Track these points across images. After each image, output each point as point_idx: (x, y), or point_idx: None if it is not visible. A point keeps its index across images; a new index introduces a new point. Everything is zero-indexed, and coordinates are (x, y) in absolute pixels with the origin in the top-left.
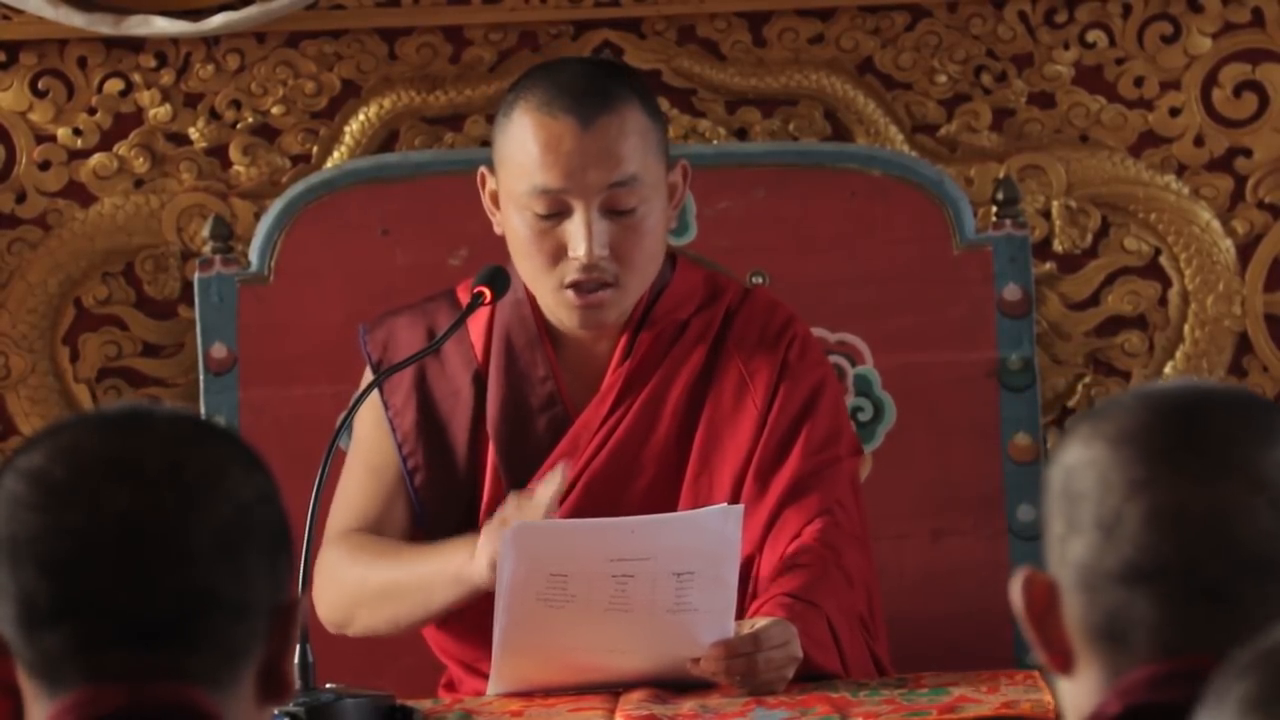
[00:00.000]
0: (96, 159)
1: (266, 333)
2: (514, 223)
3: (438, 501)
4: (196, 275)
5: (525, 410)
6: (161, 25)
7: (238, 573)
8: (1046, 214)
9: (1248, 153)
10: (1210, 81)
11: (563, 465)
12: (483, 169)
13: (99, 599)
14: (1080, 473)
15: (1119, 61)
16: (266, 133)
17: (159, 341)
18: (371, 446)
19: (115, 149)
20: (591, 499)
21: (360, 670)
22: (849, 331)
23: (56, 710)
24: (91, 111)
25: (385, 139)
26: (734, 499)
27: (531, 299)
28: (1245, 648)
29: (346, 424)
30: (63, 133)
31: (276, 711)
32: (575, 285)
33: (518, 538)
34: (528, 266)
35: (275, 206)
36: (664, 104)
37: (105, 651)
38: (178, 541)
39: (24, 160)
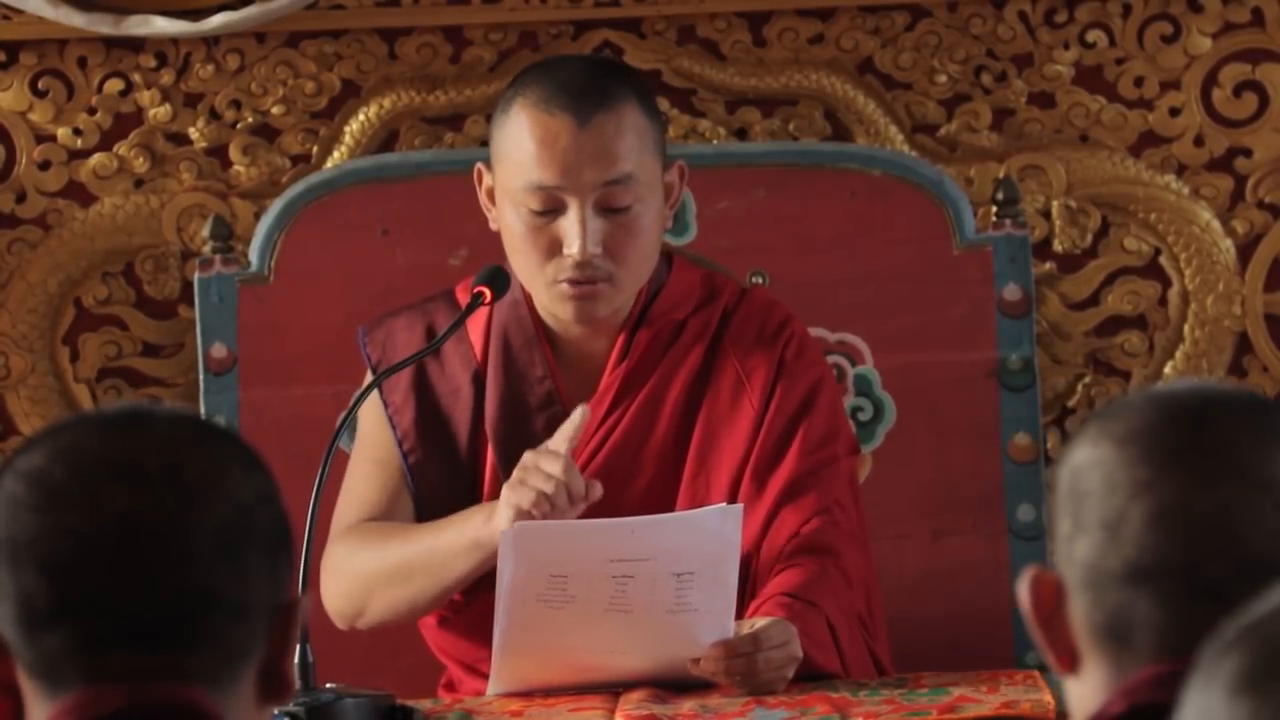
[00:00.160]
0: (96, 159)
1: (266, 333)
2: (509, 218)
3: (437, 499)
4: (196, 275)
5: (524, 409)
6: (161, 25)
7: (238, 573)
8: (1046, 214)
9: (1248, 153)
10: (1210, 81)
11: (582, 406)
12: (479, 165)
13: (99, 599)
14: (1086, 472)
15: (1119, 61)
16: (266, 133)
17: (159, 341)
18: (375, 442)
19: (115, 149)
20: None
21: (360, 670)
22: (849, 331)
23: (57, 711)
24: (91, 111)
25: (385, 139)
26: (731, 499)
27: (529, 299)
28: (1231, 621)
29: (346, 424)
30: (63, 133)
31: (276, 711)
32: (569, 281)
33: (518, 539)
34: (522, 262)
35: (275, 206)
36: (664, 104)
37: (105, 652)
38: (177, 542)
39: (24, 160)
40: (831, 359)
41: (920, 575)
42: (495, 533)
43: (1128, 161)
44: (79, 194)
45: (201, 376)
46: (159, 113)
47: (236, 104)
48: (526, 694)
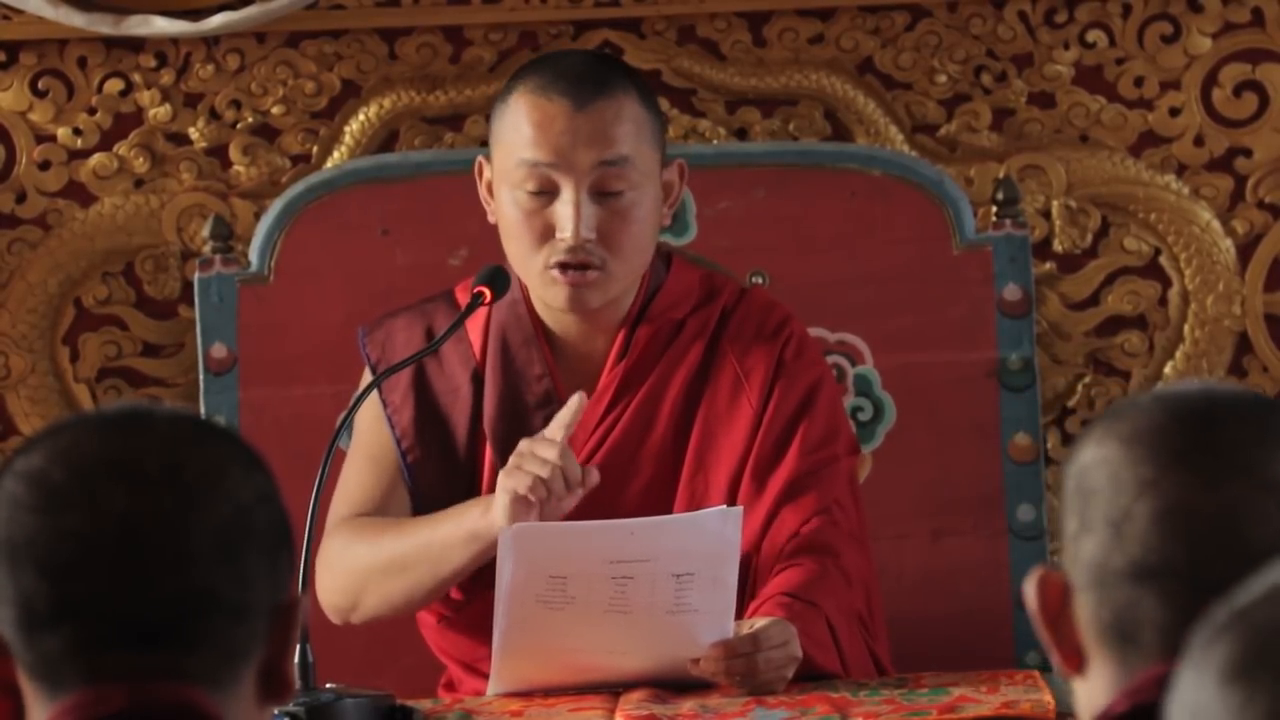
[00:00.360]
0: (96, 159)
1: (266, 333)
2: (505, 204)
3: (436, 498)
4: (196, 275)
5: (522, 408)
6: (161, 25)
7: (238, 573)
8: (1046, 214)
9: (1248, 153)
10: (1210, 81)
11: (579, 394)
12: (480, 158)
13: (99, 600)
14: (1093, 471)
15: (1119, 61)
16: (266, 133)
17: (159, 341)
18: (372, 440)
19: (115, 149)
20: (588, 498)
21: (360, 670)
22: (849, 331)
23: (57, 712)
24: (91, 111)
25: (385, 139)
26: (730, 498)
27: (527, 299)
28: (1221, 606)
29: (346, 424)
30: (63, 133)
31: (276, 711)
32: (561, 265)
33: (517, 540)
34: (516, 248)
35: (275, 206)
36: (664, 104)
37: (105, 653)
38: (177, 542)
39: (24, 160)
40: (831, 359)
41: (920, 575)
42: (493, 524)
43: (1128, 161)
44: (79, 194)
45: (201, 376)
46: (159, 113)
47: (236, 104)
48: (526, 694)
